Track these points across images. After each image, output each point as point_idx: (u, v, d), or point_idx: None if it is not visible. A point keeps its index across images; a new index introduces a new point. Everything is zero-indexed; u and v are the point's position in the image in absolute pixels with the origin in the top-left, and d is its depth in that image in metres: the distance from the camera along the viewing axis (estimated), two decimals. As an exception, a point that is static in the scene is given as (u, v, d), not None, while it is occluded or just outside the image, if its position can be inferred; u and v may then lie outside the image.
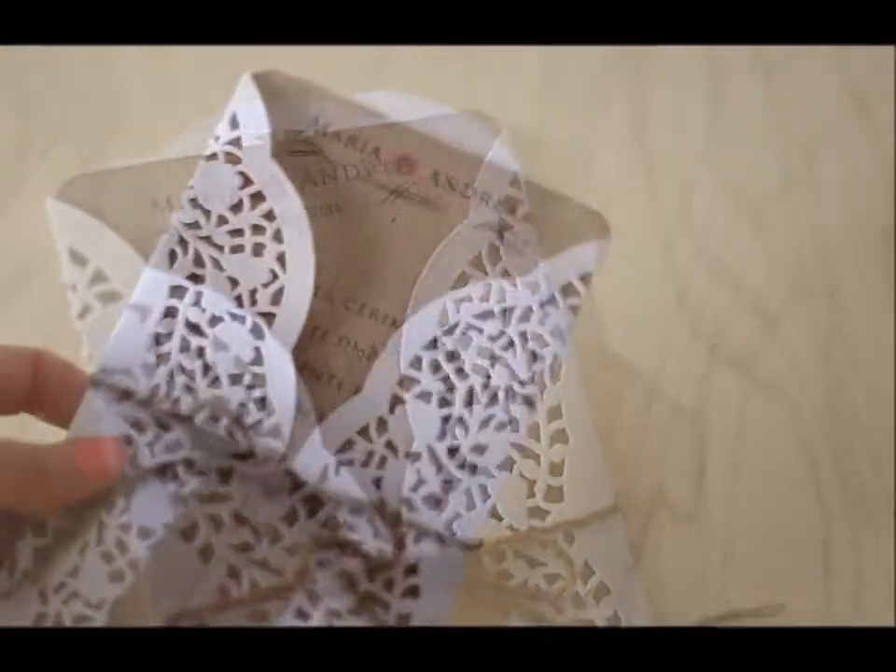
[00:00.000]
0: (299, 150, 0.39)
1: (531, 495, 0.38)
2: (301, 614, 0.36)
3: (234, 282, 0.38)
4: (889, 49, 0.61)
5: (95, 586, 0.35)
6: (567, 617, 0.36)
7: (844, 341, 0.55)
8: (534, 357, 0.38)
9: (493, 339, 0.38)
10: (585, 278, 0.39)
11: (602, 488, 0.38)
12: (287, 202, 0.38)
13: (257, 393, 0.37)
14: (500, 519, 0.38)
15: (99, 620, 0.35)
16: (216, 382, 0.37)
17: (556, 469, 0.39)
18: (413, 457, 0.37)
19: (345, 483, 0.37)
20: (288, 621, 0.35)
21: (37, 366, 0.37)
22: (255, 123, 0.39)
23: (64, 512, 0.35)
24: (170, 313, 0.37)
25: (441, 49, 0.52)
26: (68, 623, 0.35)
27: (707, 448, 0.52)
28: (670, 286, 0.55)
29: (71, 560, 0.35)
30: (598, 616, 0.36)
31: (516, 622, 0.36)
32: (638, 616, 0.37)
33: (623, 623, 0.36)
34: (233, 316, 0.38)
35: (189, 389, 0.37)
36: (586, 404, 0.40)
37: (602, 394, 0.52)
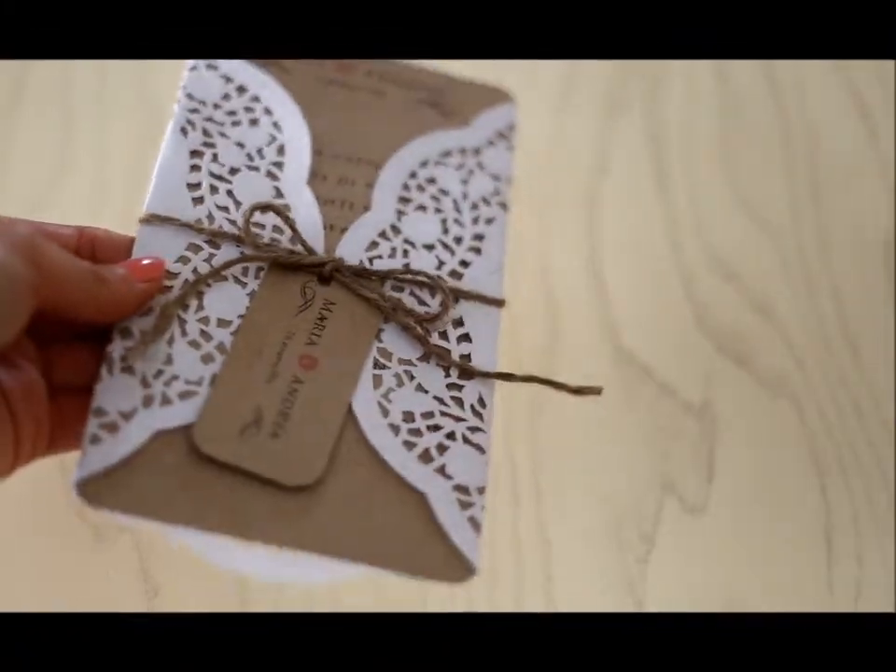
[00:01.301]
0: (264, 64, 0.47)
1: (439, 267, 0.43)
2: (378, 365, 0.40)
3: (241, 145, 0.44)
4: (889, 63, 0.66)
5: (191, 368, 0.38)
6: (431, 340, 0.41)
7: (846, 339, 0.58)
8: (493, 178, 0.46)
9: (457, 169, 0.46)
10: (511, 127, 0.48)
11: (496, 282, 0.44)
12: (270, 87, 0.45)
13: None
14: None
15: (202, 393, 0.37)
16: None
17: (470, 255, 0.44)
18: (429, 247, 0.43)
19: (382, 267, 0.42)
20: (368, 370, 0.39)
21: (81, 233, 0.41)
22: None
23: (144, 317, 0.38)
24: (195, 168, 0.43)
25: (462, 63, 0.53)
26: (175, 399, 0.37)
27: (714, 443, 0.54)
28: (679, 287, 0.58)
29: (162, 351, 0.38)
30: (455, 350, 0.41)
31: (389, 328, 0.41)
32: (487, 360, 0.41)
33: (473, 363, 0.41)
34: (249, 167, 0.43)
35: (229, 221, 0.42)
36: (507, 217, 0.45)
37: (614, 390, 0.55)
